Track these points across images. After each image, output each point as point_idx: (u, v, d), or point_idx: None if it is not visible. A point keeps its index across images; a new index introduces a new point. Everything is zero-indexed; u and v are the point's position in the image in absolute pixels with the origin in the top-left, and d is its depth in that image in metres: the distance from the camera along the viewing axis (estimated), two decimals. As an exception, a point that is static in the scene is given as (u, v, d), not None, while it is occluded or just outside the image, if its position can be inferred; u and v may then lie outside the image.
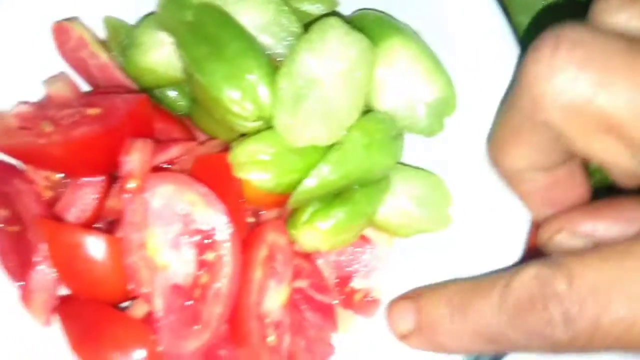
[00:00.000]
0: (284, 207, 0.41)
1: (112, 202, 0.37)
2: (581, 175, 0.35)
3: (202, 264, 0.36)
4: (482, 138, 0.41)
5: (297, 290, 0.40)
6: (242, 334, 0.36)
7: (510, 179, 0.35)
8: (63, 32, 0.40)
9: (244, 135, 0.39)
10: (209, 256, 0.36)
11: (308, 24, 0.42)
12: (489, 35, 0.40)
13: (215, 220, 0.35)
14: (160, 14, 0.40)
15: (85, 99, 0.39)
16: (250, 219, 0.40)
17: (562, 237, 0.35)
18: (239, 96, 0.37)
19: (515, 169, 0.34)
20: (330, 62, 0.37)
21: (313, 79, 0.37)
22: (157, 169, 0.37)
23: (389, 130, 0.39)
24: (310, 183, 0.37)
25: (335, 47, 0.38)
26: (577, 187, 0.35)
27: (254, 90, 0.37)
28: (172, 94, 0.43)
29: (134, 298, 0.39)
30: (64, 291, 0.39)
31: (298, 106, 0.36)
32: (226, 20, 0.38)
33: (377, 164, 0.39)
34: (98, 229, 0.39)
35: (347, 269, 0.42)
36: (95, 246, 0.37)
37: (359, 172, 0.38)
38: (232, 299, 0.36)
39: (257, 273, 0.37)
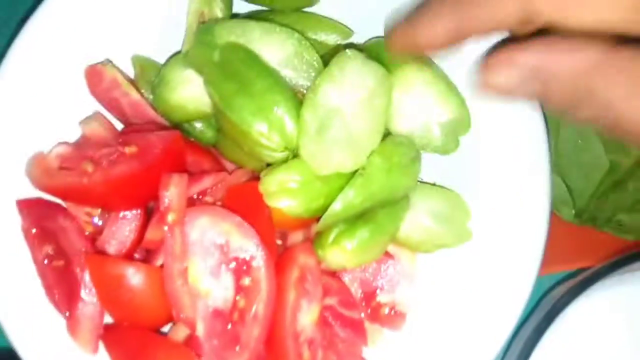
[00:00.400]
0: (308, 228, 0.44)
1: (150, 234, 0.40)
2: None
3: (239, 289, 0.38)
4: (496, 153, 0.43)
5: (327, 308, 0.42)
6: (280, 352, 0.39)
7: None
8: (96, 74, 0.43)
9: (269, 165, 0.41)
10: (246, 281, 0.38)
11: (325, 54, 0.45)
12: None
13: (250, 247, 0.38)
14: (188, 53, 0.43)
15: (121, 137, 0.41)
16: (278, 242, 0.43)
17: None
18: (267, 129, 0.39)
19: None
20: (349, 91, 0.39)
21: (334, 108, 0.39)
22: (190, 200, 0.40)
23: (408, 153, 0.42)
24: (337, 207, 0.39)
25: (354, 77, 0.40)
26: None
27: (280, 123, 0.39)
28: (198, 125, 0.46)
29: (173, 322, 0.41)
30: (107, 320, 0.41)
31: (322, 136, 0.38)
32: (251, 58, 0.41)
33: (398, 185, 0.41)
34: (137, 260, 0.41)
35: (373, 284, 0.45)
36: (137, 276, 0.39)
37: (382, 194, 0.40)
38: (269, 321, 0.38)
39: (291, 294, 0.39)
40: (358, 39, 0.46)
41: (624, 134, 0.27)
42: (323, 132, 0.39)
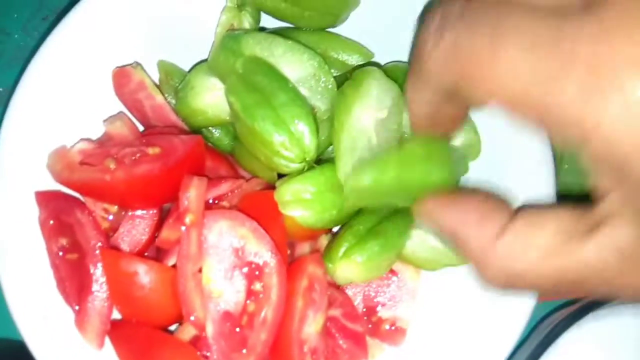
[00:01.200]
0: (316, 240, 0.45)
1: (165, 234, 0.41)
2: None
3: (250, 293, 0.39)
4: (503, 180, 0.45)
5: (330, 319, 0.43)
6: (285, 358, 0.39)
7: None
8: (125, 75, 0.44)
9: (282, 176, 0.43)
10: (257, 286, 0.39)
11: (345, 73, 0.47)
12: None
13: (264, 253, 0.39)
14: (212, 62, 0.44)
15: (144, 138, 0.42)
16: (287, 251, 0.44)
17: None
18: (287, 141, 0.40)
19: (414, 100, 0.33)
20: (375, 112, 0.41)
21: (363, 129, 0.40)
22: (206, 204, 0.41)
23: (448, 150, 0.39)
24: (366, 180, 0.36)
25: (377, 98, 0.41)
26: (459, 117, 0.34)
27: (300, 135, 0.40)
28: (217, 132, 0.47)
29: (180, 322, 0.42)
30: (115, 316, 0.42)
31: (354, 158, 0.40)
32: (273, 73, 0.42)
33: (433, 177, 0.37)
34: (150, 258, 0.42)
35: (375, 299, 0.46)
36: (149, 274, 0.40)
37: (413, 181, 0.37)
38: (277, 326, 0.39)
39: (299, 302, 0.40)
40: (377, 60, 0.48)
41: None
42: (354, 154, 0.40)
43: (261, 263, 0.39)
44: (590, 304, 0.42)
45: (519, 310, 0.42)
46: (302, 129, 0.41)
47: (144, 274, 0.40)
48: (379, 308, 0.45)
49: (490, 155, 0.45)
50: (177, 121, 0.45)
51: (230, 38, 0.43)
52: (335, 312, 0.44)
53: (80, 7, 0.44)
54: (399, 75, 0.45)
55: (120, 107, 0.46)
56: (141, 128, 0.46)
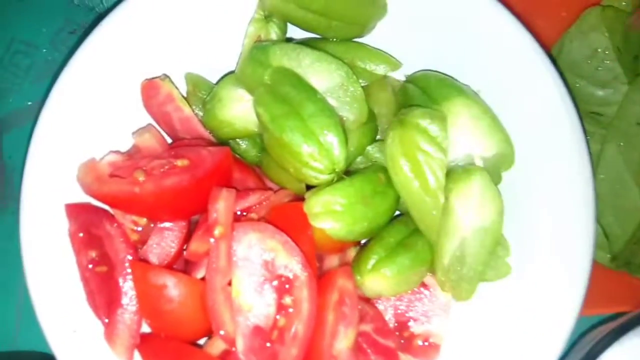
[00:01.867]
0: (345, 253, 0.44)
1: (194, 246, 0.40)
2: None
3: (280, 307, 0.38)
4: (540, 191, 0.43)
5: (361, 334, 0.42)
6: (315, 375, 0.38)
7: None
8: (153, 87, 0.44)
9: (310, 188, 0.42)
10: (287, 300, 0.38)
11: (372, 83, 0.46)
12: (545, 94, 0.43)
13: (294, 266, 0.38)
14: (240, 73, 0.44)
15: (172, 150, 0.42)
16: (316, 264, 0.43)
17: None
18: (316, 152, 0.40)
19: None
20: (474, 217, 0.40)
21: (464, 237, 0.40)
22: (235, 216, 0.40)
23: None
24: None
25: (479, 203, 0.41)
26: None
27: (329, 146, 0.40)
28: (244, 144, 0.47)
29: (209, 336, 0.42)
30: (145, 329, 0.41)
31: (457, 268, 0.41)
32: (301, 83, 0.42)
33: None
34: (179, 271, 0.42)
35: (407, 314, 0.44)
36: (179, 287, 0.39)
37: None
38: (308, 341, 0.38)
39: (330, 317, 0.39)
40: (405, 70, 0.47)
41: None
42: (459, 266, 0.41)
43: (291, 276, 0.38)
44: (632, 320, 0.40)
45: (559, 326, 0.40)
46: (331, 139, 0.40)
47: (173, 286, 0.39)
48: (410, 323, 0.43)
49: (526, 166, 0.43)
50: (204, 133, 0.45)
51: (257, 49, 0.43)
52: (367, 327, 0.43)
53: (108, 21, 0.44)
54: (430, 85, 0.45)
55: (149, 120, 0.46)
56: (169, 140, 0.46)
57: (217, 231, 0.38)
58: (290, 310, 0.38)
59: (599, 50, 0.50)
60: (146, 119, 0.46)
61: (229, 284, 0.38)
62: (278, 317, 0.38)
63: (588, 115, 0.51)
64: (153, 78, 0.45)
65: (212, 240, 0.38)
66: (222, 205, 0.38)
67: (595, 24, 0.50)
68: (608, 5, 0.50)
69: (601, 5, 0.50)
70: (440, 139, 0.41)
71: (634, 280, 0.47)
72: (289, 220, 0.40)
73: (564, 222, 0.42)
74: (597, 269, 0.46)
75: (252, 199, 0.42)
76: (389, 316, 0.43)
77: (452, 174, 0.41)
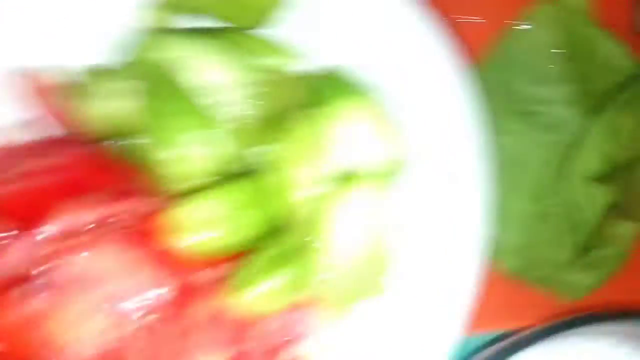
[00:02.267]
0: (220, 268, 0.41)
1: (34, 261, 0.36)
2: None
3: (140, 328, 0.35)
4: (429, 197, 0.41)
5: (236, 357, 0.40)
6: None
7: None
8: (25, 80, 0.41)
9: (188, 192, 0.39)
10: (149, 319, 0.35)
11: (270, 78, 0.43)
12: (450, 95, 0.41)
13: (159, 282, 0.35)
14: (120, 64, 0.41)
15: (42, 149, 0.39)
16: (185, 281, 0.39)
17: None
18: (194, 152, 0.37)
19: None
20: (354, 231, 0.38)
21: (342, 251, 0.38)
22: (98, 224, 0.37)
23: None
24: None
25: (360, 215, 0.38)
26: None
27: (207, 147, 0.38)
28: (120, 143, 0.43)
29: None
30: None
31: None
32: (180, 79, 0.39)
33: None
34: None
35: (279, 335, 0.42)
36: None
37: None
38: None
39: (199, 337, 0.36)
40: (305, 65, 0.44)
41: None
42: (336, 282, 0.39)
43: (155, 294, 0.35)
44: (521, 340, 0.38)
45: (439, 347, 0.38)
46: (210, 140, 0.38)
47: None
48: (284, 344, 0.41)
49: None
50: (81, 130, 0.41)
51: (139, 43, 0.40)
52: (241, 348, 0.40)
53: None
54: (324, 84, 0.42)
55: (17, 113, 0.42)
56: (37, 136, 0.42)
57: (61, 245, 0.34)
58: (153, 330, 0.35)
59: (543, 48, 0.49)
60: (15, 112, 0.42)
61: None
62: (135, 337, 0.35)
63: (519, 114, 0.49)
64: (26, 69, 0.41)
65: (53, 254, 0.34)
66: (69, 215, 0.35)
67: (543, 21, 0.49)
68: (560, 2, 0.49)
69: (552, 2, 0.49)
70: (325, 143, 0.39)
71: (530, 295, 0.45)
72: (158, 230, 0.37)
73: (454, 231, 0.40)
74: (496, 280, 0.45)
75: (120, 206, 0.38)
76: (266, 335, 0.41)
77: (335, 181, 0.39)
